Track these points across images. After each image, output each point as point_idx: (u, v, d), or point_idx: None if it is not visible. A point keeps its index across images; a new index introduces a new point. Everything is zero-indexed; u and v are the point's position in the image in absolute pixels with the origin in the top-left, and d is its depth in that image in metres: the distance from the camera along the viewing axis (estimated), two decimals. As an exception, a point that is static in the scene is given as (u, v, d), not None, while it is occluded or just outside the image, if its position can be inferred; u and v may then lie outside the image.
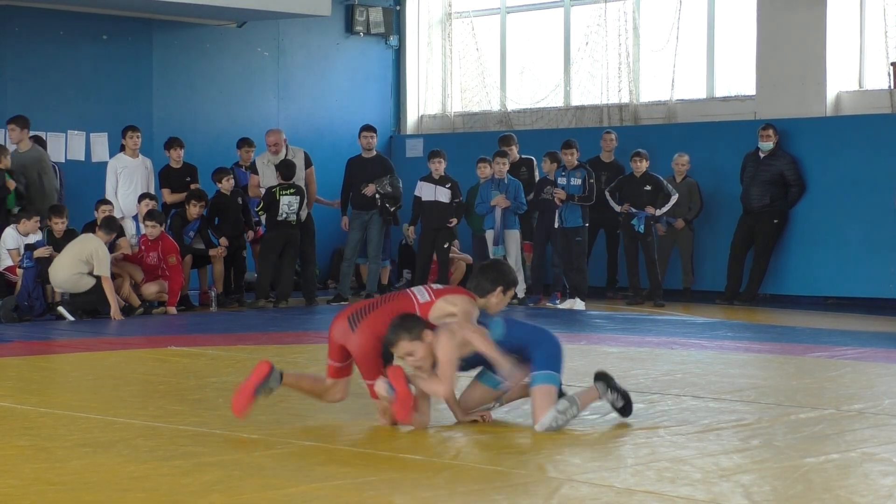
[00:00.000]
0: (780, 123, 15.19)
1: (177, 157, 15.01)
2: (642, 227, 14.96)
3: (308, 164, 15.24)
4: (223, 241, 14.78)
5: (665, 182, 15.13)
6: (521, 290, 14.98)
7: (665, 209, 15.09)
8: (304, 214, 14.92)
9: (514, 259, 14.86)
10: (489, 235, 15.01)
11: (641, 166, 15.09)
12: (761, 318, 13.73)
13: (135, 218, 14.47)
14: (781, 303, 15.32)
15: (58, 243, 13.33)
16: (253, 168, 15.32)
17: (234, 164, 15.84)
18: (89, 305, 13.04)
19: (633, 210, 15.01)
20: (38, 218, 13.51)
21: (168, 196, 14.90)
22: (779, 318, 13.74)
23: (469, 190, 15.55)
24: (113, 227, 13.40)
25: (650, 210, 14.98)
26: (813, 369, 9.29)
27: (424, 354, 6.38)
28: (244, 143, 15.97)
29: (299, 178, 14.95)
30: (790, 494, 5.24)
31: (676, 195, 15.08)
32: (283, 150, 15.12)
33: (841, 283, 15.09)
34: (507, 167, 15.04)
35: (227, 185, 14.94)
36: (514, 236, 14.99)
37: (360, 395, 7.30)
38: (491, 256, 14.89)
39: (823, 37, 15.32)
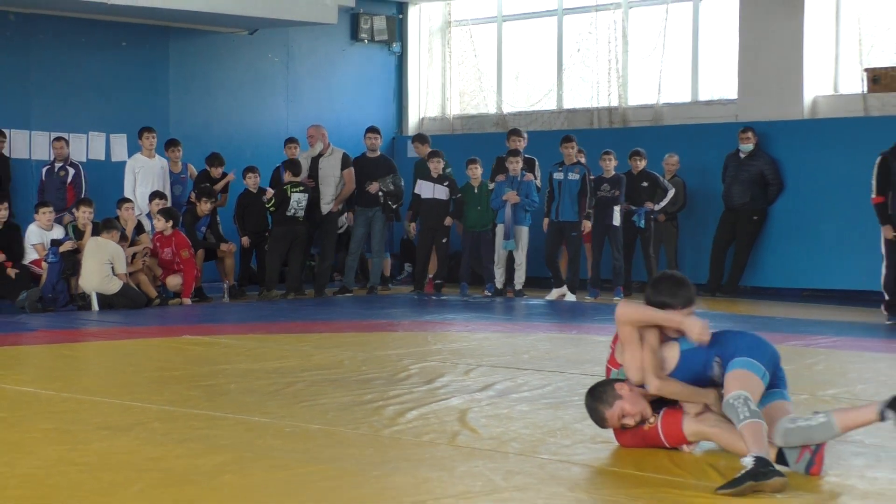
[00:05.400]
0: (759, 126, 15.20)
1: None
2: (643, 222, 15.01)
3: (346, 164, 15.19)
4: (244, 240, 14.89)
5: (662, 178, 15.22)
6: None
7: (663, 203, 15.17)
8: (326, 209, 14.95)
9: (522, 253, 14.87)
10: (500, 230, 14.98)
11: (640, 164, 15.13)
12: (742, 308, 13.74)
13: (149, 216, 14.48)
14: (761, 294, 15.34)
15: (81, 237, 13.35)
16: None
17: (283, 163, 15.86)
18: (119, 306, 13.04)
19: (633, 207, 15.03)
20: (49, 210, 13.56)
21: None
22: (758, 308, 13.75)
23: (463, 187, 15.49)
24: (114, 225, 13.38)
25: (649, 205, 15.04)
26: (790, 357, 9.27)
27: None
28: (290, 141, 15.92)
29: (335, 176, 14.95)
30: (767, 475, 5.22)
31: (674, 190, 15.19)
32: (320, 145, 15.11)
33: (816, 275, 15.11)
34: (520, 165, 14.93)
35: (252, 182, 15.01)
36: (523, 232, 14.93)
37: (360, 384, 7.29)
38: (502, 250, 14.93)
39: (801, 44, 15.33)
